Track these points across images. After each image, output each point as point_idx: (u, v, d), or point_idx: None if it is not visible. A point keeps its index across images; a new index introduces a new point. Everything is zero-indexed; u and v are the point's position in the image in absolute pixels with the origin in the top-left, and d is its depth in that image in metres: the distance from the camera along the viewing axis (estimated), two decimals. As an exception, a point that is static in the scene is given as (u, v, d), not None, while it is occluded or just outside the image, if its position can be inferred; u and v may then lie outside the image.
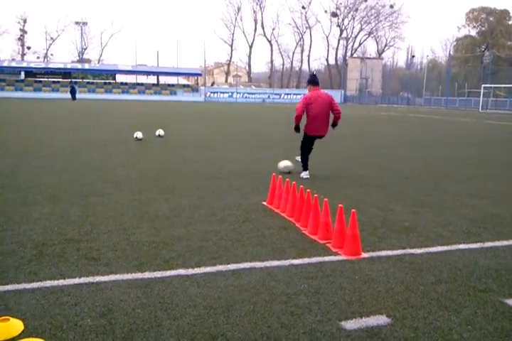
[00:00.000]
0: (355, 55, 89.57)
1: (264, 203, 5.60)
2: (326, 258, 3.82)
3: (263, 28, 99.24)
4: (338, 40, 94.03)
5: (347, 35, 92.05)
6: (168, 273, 3.43)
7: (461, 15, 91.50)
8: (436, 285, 3.32)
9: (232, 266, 3.57)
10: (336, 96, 70.67)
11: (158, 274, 3.40)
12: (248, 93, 70.91)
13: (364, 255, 3.93)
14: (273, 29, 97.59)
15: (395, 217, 5.16)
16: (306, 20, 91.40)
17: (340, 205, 4.03)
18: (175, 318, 2.75)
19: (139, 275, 3.39)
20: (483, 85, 47.94)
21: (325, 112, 7.16)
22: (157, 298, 3.02)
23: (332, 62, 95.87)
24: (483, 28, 79.25)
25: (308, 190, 4.67)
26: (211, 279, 3.32)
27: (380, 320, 2.80)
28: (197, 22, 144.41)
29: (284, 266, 3.61)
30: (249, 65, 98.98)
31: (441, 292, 3.21)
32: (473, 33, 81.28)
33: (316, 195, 4.40)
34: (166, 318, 2.75)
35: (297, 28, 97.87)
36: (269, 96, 70.24)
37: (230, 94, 68.95)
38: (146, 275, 3.39)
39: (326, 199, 4.24)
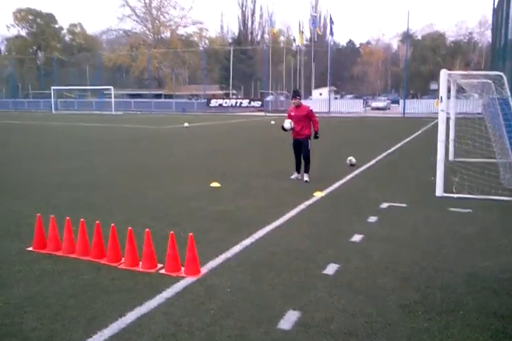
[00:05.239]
0: None
1: (30, 249, 4.84)
2: (180, 286, 3.99)
3: None
4: None
5: None
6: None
7: (9, 15, 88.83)
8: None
9: None
10: None
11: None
12: None
13: (202, 270, 4.31)
14: None
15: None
16: None
17: (172, 232, 4.23)
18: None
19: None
20: (52, 87, 48.55)
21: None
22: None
23: None
24: (34, 30, 79.58)
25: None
26: None
27: None
28: None
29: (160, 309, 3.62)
30: None
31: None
32: (24, 33, 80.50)
33: (131, 228, 4.36)
34: None
35: None
36: None
37: None
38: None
39: (148, 230, 4.30)
